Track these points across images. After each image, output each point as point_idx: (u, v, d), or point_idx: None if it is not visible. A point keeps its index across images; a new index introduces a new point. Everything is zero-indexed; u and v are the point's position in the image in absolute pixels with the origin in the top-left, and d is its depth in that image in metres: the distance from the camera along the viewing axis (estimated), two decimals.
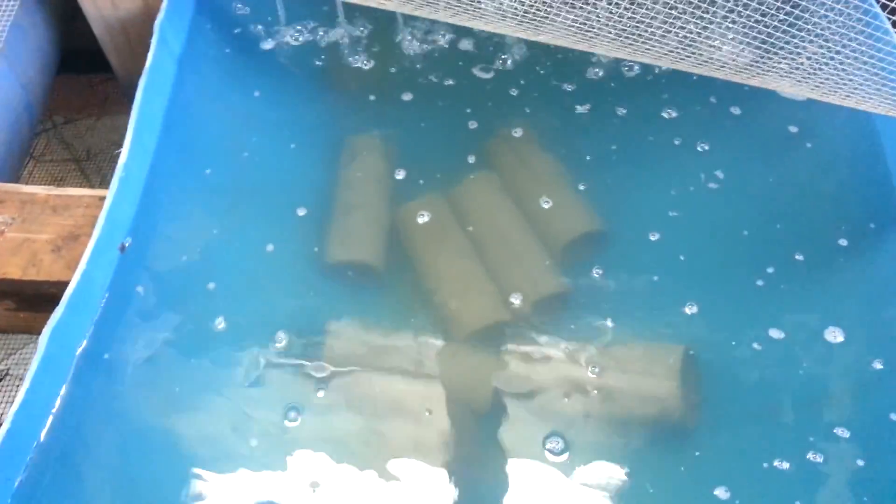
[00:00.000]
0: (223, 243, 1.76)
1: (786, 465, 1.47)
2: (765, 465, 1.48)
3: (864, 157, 1.90)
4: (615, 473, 1.48)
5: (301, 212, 1.83)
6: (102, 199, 1.61)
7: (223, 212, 1.81)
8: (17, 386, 2.18)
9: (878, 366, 1.58)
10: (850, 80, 1.51)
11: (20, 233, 1.63)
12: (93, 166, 2.70)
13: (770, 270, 1.71)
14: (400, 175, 1.89)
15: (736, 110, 2.00)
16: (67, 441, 1.43)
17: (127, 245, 1.62)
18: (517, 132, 1.96)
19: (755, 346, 1.61)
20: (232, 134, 1.94)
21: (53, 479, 1.39)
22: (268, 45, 2.12)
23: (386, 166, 1.91)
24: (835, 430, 1.51)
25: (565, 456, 1.50)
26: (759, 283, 1.70)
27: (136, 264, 1.65)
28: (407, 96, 2.04)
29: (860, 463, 1.47)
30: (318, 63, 2.10)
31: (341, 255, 1.77)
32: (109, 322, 1.55)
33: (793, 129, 1.97)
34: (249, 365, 1.59)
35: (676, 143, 1.94)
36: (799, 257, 1.73)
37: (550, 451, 1.51)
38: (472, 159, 1.92)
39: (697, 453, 1.51)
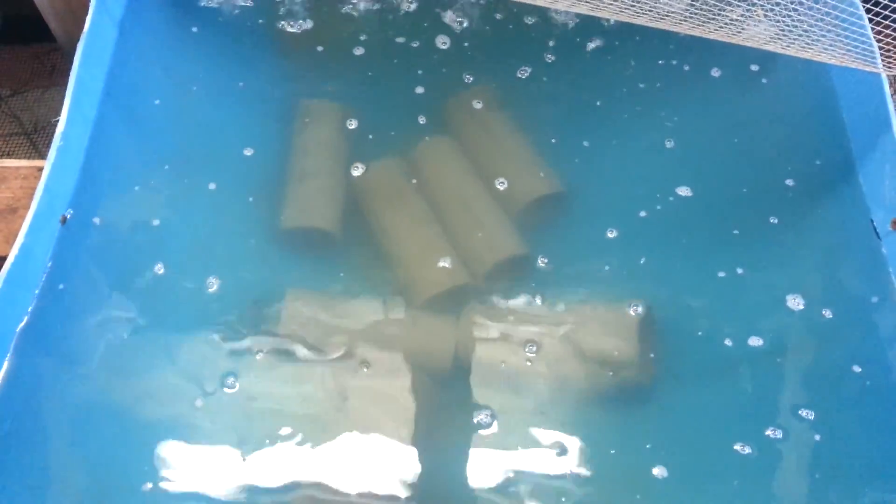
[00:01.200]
0: (172, 215, 1.71)
1: (743, 421, 1.48)
2: (722, 419, 1.48)
3: (819, 108, 1.88)
4: (574, 432, 1.47)
5: (254, 180, 1.78)
6: (41, 169, 1.55)
7: (171, 182, 1.75)
8: None
9: (827, 315, 1.59)
10: (807, 31, 1.48)
11: None
12: (42, 139, 2.61)
13: (727, 226, 1.71)
14: (355, 140, 1.84)
15: (687, 67, 1.97)
16: (11, 423, 1.39)
17: (68, 217, 1.56)
18: (475, 95, 1.91)
19: (710, 300, 1.61)
20: (177, 101, 1.87)
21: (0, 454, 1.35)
22: (214, 5, 2.04)
23: (340, 131, 1.86)
24: (789, 381, 1.52)
25: (525, 416, 1.49)
26: (718, 237, 1.69)
27: (80, 237, 1.59)
28: (359, 55, 1.98)
29: (811, 415, 1.48)
30: (267, 25, 2.03)
31: (297, 222, 1.74)
32: (52, 297, 1.50)
33: (750, 84, 1.95)
34: (205, 340, 1.56)
35: (636, 107, 1.91)
36: (755, 212, 1.72)
37: (509, 412, 1.50)
38: (428, 122, 1.87)
39: (655, 409, 1.51)
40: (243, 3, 2.06)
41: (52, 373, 1.46)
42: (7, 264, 1.41)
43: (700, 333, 1.58)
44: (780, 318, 1.59)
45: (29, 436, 1.40)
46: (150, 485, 1.38)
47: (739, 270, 1.65)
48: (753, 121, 1.89)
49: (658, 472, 1.43)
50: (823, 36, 1.48)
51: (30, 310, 1.46)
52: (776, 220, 1.72)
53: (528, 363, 1.55)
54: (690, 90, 1.93)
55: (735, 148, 1.83)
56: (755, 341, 1.56)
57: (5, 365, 1.40)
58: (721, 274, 1.65)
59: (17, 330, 1.44)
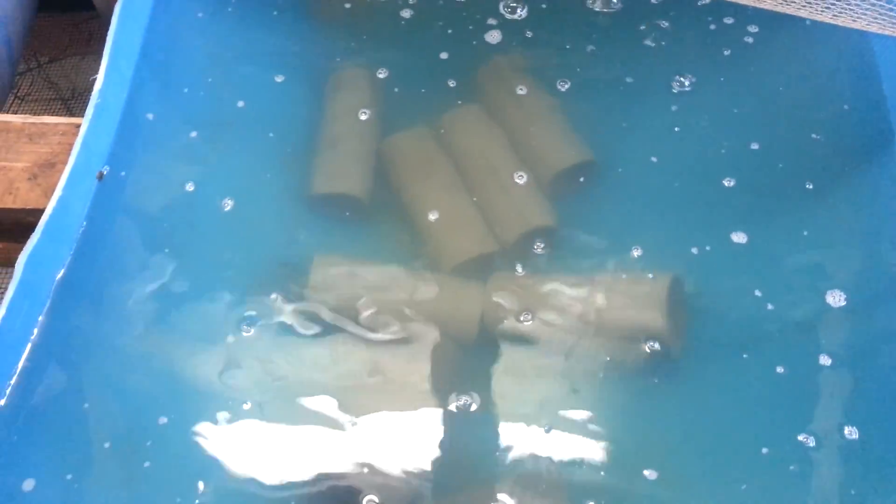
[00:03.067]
0: (205, 175, 1.73)
1: (775, 396, 1.46)
2: (753, 395, 1.47)
3: (861, 80, 1.85)
4: (602, 404, 1.47)
5: (285, 144, 1.80)
6: (79, 126, 1.58)
7: (205, 143, 1.77)
8: None
9: (866, 294, 1.56)
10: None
11: None
12: (79, 105, 2.66)
13: (766, 201, 1.69)
14: (385, 106, 1.85)
15: (725, 40, 1.94)
16: (47, 370, 1.42)
17: (105, 173, 1.59)
18: (507, 64, 1.90)
19: (744, 276, 1.59)
20: (212, 63, 1.89)
21: (32, 408, 1.38)
22: None
23: (371, 98, 1.87)
24: (820, 358, 1.49)
25: (552, 387, 1.49)
26: (755, 213, 1.67)
27: (116, 194, 1.62)
28: (395, 25, 1.98)
29: (847, 390, 1.46)
30: None
31: (326, 188, 1.75)
32: (89, 251, 1.53)
33: (789, 55, 1.92)
34: (236, 300, 1.57)
35: (671, 74, 1.89)
36: (795, 187, 1.70)
37: (536, 381, 1.50)
38: (459, 89, 1.87)
39: (685, 384, 1.50)
40: None
41: (86, 325, 1.49)
42: (45, 216, 1.45)
43: (732, 309, 1.57)
44: (818, 300, 1.57)
45: (61, 388, 1.43)
46: (171, 442, 1.40)
47: (777, 247, 1.63)
48: (789, 92, 1.86)
49: (682, 448, 1.43)
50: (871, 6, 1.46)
51: (67, 263, 1.49)
52: (814, 195, 1.69)
53: (555, 332, 1.55)
54: (729, 62, 1.91)
55: (771, 121, 1.81)
56: (789, 319, 1.54)
57: (43, 315, 1.43)
58: (757, 250, 1.62)
59: (55, 281, 1.47)
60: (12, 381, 1.36)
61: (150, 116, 1.75)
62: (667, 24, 1.97)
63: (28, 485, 1.32)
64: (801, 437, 1.41)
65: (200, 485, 1.36)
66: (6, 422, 1.35)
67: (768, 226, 1.65)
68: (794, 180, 1.71)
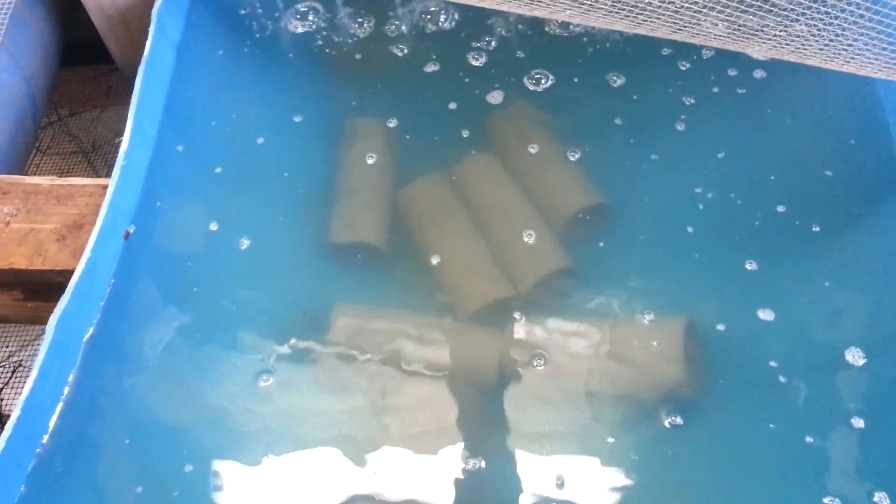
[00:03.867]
0: (227, 229, 1.77)
1: (793, 435, 1.46)
2: (771, 432, 1.47)
3: (867, 124, 1.88)
4: (621, 448, 1.48)
5: (304, 196, 1.83)
6: (105, 187, 1.62)
7: (226, 197, 1.81)
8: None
9: (886, 330, 1.57)
10: (851, 45, 1.49)
11: (25, 223, 1.64)
12: (100, 158, 2.71)
13: (777, 240, 1.70)
14: (401, 156, 1.89)
15: (733, 83, 1.98)
16: (78, 426, 1.45)
17: (131, 232, 1.63)
18: (517, 112, 1.94)
19: (759, 314, 1.60)
20: (232, 120, 1.94)
21: (65, 464, 1.41)
22: (267, 29, 2.12)
23: (387, 148, 1.91)
24: (844, 405, 1.49)
25: (571, 432, 1.51)
26: (766, 252, 1.68)
27: (141, 251, 1.66)
28: (406, 78, 2.03)
29: (863, 430, 1.46)
30: (317, 46, 2.10)
31: (345, 237, 1.77)
32: (116, 309, 1.56)
33: (798, 101, 1.95)
34: (257, 350, 1.60)
35: (680, 116, 1.92)
36: (803, 225, 1.71)
37: (554, 428, 1.51)
38: (470, 138, 1.91)
39: (702, 425, 1.50)
40: (293, 30, 2.13)
41: (114, 381, 1.53)
42: (74, 278, 1.48)
43: (748, 352, 1.57)
44: (835, 336, 1.58)
45: (91, 446, 1.46)
46: (198, 491, 1.43)
47: (788, 286, 1.64)
48: (797, 131, 1.89)
49: (702, 490, 1.44)
50: (867, 48, 1.49)
51: (95, 321, 1.53)
52: (821, 232, 1.71)
53: (572, 377, 1.56)
54: (735, 102, 1.94)
55: (780, 160, 1.83)
56: (806, 362, 1.55)
57: (73, 373, 1.46)
58: (770, 290, 1.64)
59: (84, 340, 1.50)
60: (44, 441, 1.39)
61: (172, 174, 1.79)
62: (684, 66, 2.01)
63: None
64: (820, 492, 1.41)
65: None
66: (41, 478, 1.37)
67: (782, 265, 1.67)
68: (806, 225, 1.72)
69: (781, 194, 1.77)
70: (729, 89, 1.96)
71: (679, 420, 1.50)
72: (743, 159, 1.84)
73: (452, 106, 1.96)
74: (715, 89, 1.95)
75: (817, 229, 1.71)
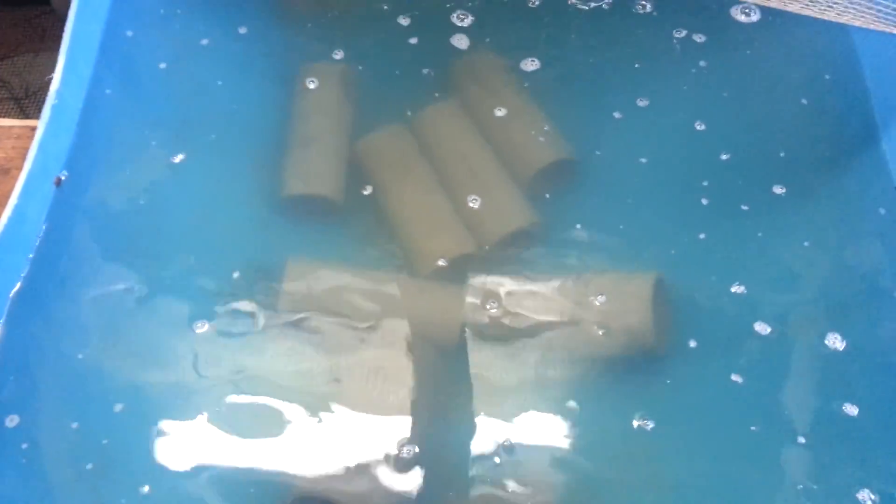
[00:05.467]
0: (170, 178, 1.66)
1: (758, 387, 1.44)
2: (738, 389, 1.44)
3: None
4: (585, 406, 1.44)
5: (255, 144, 1.73)
6: (34, 129, 1.50)
7: (169, 145, 1.69)
8: None
9: (856, 286, 1.55)
10: None
11: None
12: (32, 104, 2.55)
13: (747, 198, 1.65)
14: (360, 103, 1.80)
15: (700, 37, 1.90)
16: (5, 384, 1.35)
17: (63, 179, 1.51)
18: (483, 58, 1.85)
19: (733, 274, 1.56)
20: (176, 61, 1.81)
21: None
22: None
23: (345, 95, 1.81)
24: (803, 362, 1.48)
25: (534, 389, 1.45)
26: (742, 208, 1.64)
27: (74, 200, 1.54)
28: (363, 15, 1.92)
29: (840, 379, 1.44)
30: None
31: (299, 189, 1.69)
32: (46, 262, 1.45)
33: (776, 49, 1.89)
34: (202, 308, 1.51)
35: (653, 72, 1.84)
36: (779, 186, 1.66)
37: (518, 386, 1.46)
38: (434, 86, 1.82)
39: (668, 381, 1.46)
40: None
41: (46, 339, 1.42)
42: (0, 227, 1.37)
43: (717, 308, 1.54)
44: (811, 297, 1.56)
45: (23, 403, 1.36)
46: (142, 456, 1.35)
47: (757, 240, 1.60)
48: (773, 84, 1.84)
49: (663, 444, 1.40)
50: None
51: (23, 275, 1.41)
52: (797, 189, 1.66)
53: (537, 334, 1.51)
54: (716, 51, 1.88)
55: (755, 114, 1.78)
56: (769, 318, 1.51)
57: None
58: (741, 247, 1.60)
59: (11, 295, 1.39)
60: None
61: (110, 117, 1.67)
62: (656, 13, 1.93)
63: None
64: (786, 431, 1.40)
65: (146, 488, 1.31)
66: None
67: (753, 223, 1.62)
68: (784, 179, 1.68)
69: (759, 150, 1.72)
70: (712, 37, 1.89)
71: (645, 380, 1.47)
72: (720, 111, 1.78)
73: (416, 50, 1.85)
74: (697, 37, 1.88)
75: (793, 187, 1.67)
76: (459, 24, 1.88)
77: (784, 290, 1.57)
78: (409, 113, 1.79)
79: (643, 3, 1.93)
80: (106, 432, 1.35)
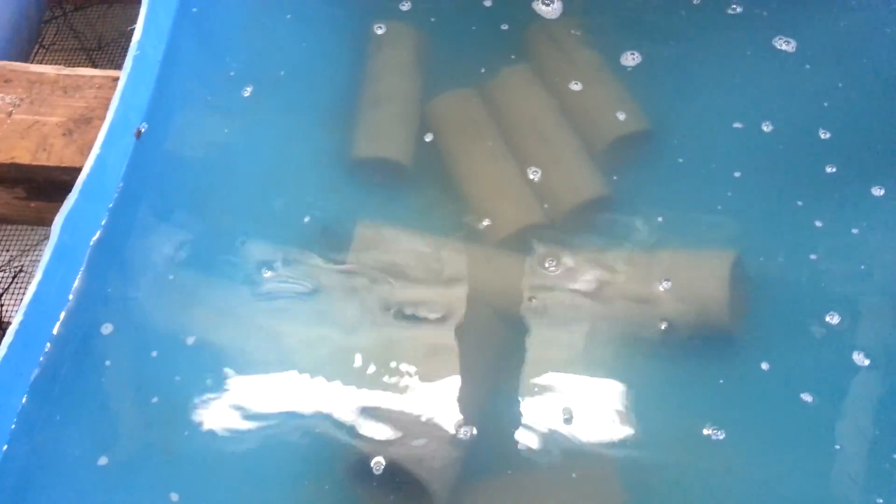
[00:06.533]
0: (243, 135, 1.66)
1: (832, 382, 1.39)
2: (810, 378, 1.39)
3: None
4: (652, 382, 1.41)
5: (328, 104, 1.73)
6: (115, 80, 1.51)
7: (243, 102, 1.69)
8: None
9: None
10: None
11: (29, 115, 1.52)
12: (104, 56, 2.58)
13: (833, 176, 1.59)
14: (432, 64, 1.77)
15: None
16: (83, 334, 1.36)
17: (143, 131, 1.52)
18: (560, 23, 1.81)
19: (812, 257, 1.51)
20: (253, 19, 1.81)
21: (70, 372, 1.33)
22: None
23: (416, 56, 1.79)
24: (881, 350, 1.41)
25: (602, 363, 1.43)
26: (832, 191, 1.58)
27: (153, 152, 1.55)
28: None
29: None
30: None
31: (368, 151, 1.67)
32: (125, 212, 1.46)
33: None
34: (271, 265, 1.51)
35: (742, 35, 1.78)
36: (865, 165, 1.60)
37: (583, 359, 1.44)
38: (509, 50, 1.78)
39: (740, 364, 1.42)
40: None
41: (121, 287, 1.44)
42: (82, 176, 1.38)
43: (799, 295, 1.49)
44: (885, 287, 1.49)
45: (97, 354, 1.38)
46: (205, 403, 1.36)
47: (854, 231, 1.54)
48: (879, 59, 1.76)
49: (729, 430, 1.35)
50: None
51: (103, 224, 1.43)
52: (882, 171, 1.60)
53: (606, 309, 1.48)
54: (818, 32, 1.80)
55: (858, 92, 1.71)
56: (850, 305, 1.46)
57: (78, 278, 1.37)
58: (829, 231, 1.54)
59: (91, 244, 1.41)
60: (48, 349, 1.31)
61: (187, 71, 1.67)
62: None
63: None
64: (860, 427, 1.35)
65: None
66: (43, 392, 1.29)
67: (843, 207, 1.56)
68: (878, 170, 1.61)
69: (853, 130, 1.65)
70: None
71: (715, 362, 1.43)
72: (809, 87, 1.71)
73: (492, 14, 1.82)
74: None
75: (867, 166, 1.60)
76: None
77: (867, 280, 1.50)
78: (482, 72, 1.76)
79: None
80: (174, 385, 1.38)
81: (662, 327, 1.45)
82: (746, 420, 1.37)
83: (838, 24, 1.82)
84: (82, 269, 1.38)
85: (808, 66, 1.75)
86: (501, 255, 1.56)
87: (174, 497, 1.27)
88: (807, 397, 1.37)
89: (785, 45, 1.76)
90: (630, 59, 1.76)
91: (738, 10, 1.83)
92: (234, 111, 1.68)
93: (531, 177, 1.63)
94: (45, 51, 2.55)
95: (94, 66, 2.60)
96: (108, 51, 2.59)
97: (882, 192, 1.57)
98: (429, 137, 1.69)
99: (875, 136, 1.66)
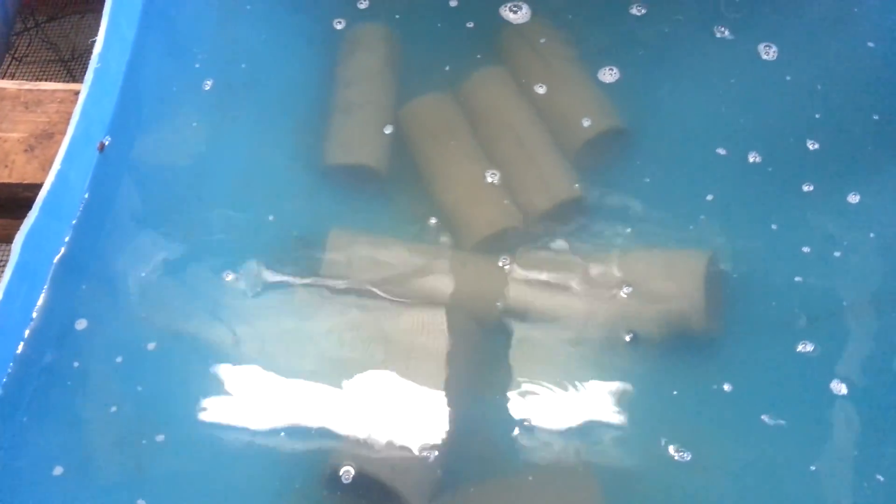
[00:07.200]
0: (212, 144, 1.64)
1: (812, 376, 1.38)
2: (790, 373, 1.39)
3: None
4: (631, 385, 1.40)
5: (299, 110, 1.71)
6: (77, 94, 1.48)
7: (212, 110, 1.67)
8: None
9: None
10: None
11: None
12: (80, 66, 2.56)
13: (811, 177, 1.58)
14: (404, 68, 1.75)
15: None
16: (47, 354, 1.35)
17: (106, 144, 1.49)
18: (533, 26, 1.79)
19: (785, 252, 1.50)
20: (219, 26, 1.78)
21: (35, 392, 1.32)
22: None
23: (388, 60, 1.76)
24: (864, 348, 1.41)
25: (578, 369, 1.41)
26: (802, 188, 1.56)
27: (118, 165, 1.53)
28: None
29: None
30: None
31: (341, 158, 1.65)
32: (89, 227, 1.44)
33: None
34: (244, 275, 1.50)
35: (717, 42, 1.76)
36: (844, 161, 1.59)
37: (561, 363, 1.43)
38: (481, 53, 1.76)
39: (719, 363, 1.42)
40: None
41: (88, 305, 1.41)
42: (43, 192, 1.36)
43: (771, 289, 1.48)
44: (866, 283, 1.48)
45: (67, 368, 1.36)
46: (185, 417, 1.36)
47: (828, 229, 1.53)
48: (844, 60, 1.74)
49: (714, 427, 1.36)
50: None
51: (67, 240, 1.41)
52: (863, 173, 1.59)
53: (582, 312, 1.46)
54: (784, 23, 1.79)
55: (824, 88, 1.69)
56: (828, 302, 1.46)
57: (42, 297, 1.35)
58: (801, 229, 1.53)
59: (55, 261, 1.39)
60: (10, 370, 1.29)
61: (153, 81, 1.65)
62: None
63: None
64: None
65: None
66: (7, 409, 1.28)
67: (820, 206, 1.55)
68: (851, 159, 1.60)
69: (818, 128, 1.63)
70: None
71: (695, 361, 1.42)
72: (783, 83, 1.70)
73: (463, 17, 1.80)
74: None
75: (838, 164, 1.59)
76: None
77: (844, 273, 1.49)
78: (451, 73, 1.74)
79: None
80: (147, 396, 1.36)
81: (639, 328, 1.44)
82: (712, 438, 1.36)
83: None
84: (46, 287, 1.36)
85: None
86: (476, 259, 1.54)
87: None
88: (768, 419, 1.36)
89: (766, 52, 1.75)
90: (607, 73, 1.74)
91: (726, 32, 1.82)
92: (202, 120, 1.66)
93: (505, 180, 1.61)
94: (17, 63, 2.53)
95: (72, 76, 2.58)
96: (82, 61, 2.56)
97: (857, 198, 1.57)
98: (401, 142, 1.67)
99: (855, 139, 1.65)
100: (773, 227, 1.53)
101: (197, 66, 1.72)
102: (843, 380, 1.37)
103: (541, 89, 1.71)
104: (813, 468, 1.31)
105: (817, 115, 1.65)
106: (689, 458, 1.31)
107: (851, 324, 1.44)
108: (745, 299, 1.47)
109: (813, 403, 1.37)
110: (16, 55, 2.55)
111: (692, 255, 1.49)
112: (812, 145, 1.61)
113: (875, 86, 1.70)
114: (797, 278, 1.48)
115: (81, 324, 1.39)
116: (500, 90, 1.73)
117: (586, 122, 1.64)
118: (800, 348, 1.41)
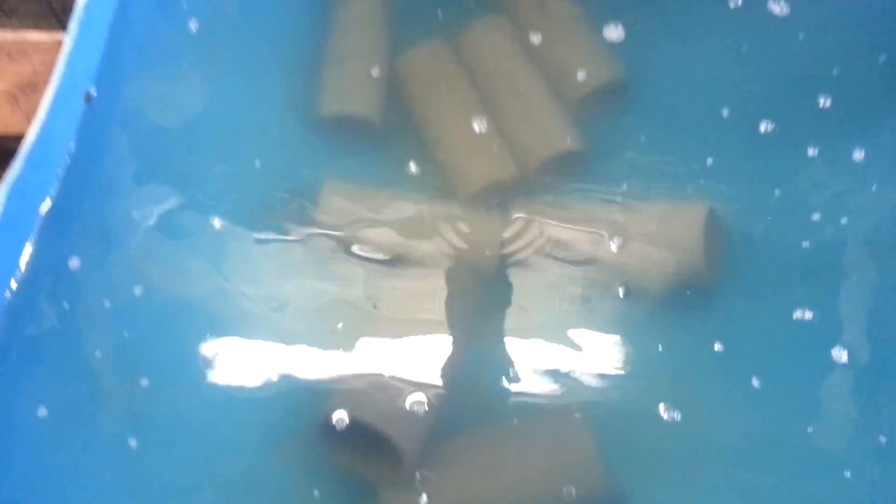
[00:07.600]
0: (203, 95, 1.61)
1: (809, 327, 1.38)
2: (787, 327, 1.38)
3: None
4: (628, 334, 1.40)
5: (292, 61, 1.68)
6: (63, 43, 1.45)
7: (201, 60, 1.64)
8: None
9: None
10: None
11: None
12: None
13: (810, 130, 1.55)
14: (400, 17, 1.72)
15: None
16: (33, 305, 1.33)
17: (93, 95, 1.46)
18: None
19: (784, 206, 1.49)
20: None
21: (21, 345, 1.31)
22: None
23: (384, 8, 1.73)
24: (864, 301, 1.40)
25: (576, 319, 1.41)
26: (807, 151, 1.53)
27: (105, 116, 1.49)
28: None
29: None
30: None
31: (335, 109, 1.62)
32: (77, 179, 1.41)
33: None
34: (237, 230, 1.49)
35: None
36: (842, 119, 1.55)
37: (561, 314, 1.43)
38: (478, 2, 1.73)
39: (719, 316, 1.42)
40: None
41: (76, 257, 1.40)
42: (26, 144, 1.33)
43: (770, 243, 1.47)
44: (861, 230, 1.47)
45: (51, 319, 1.35)
46: (180, 368, 1.36)
47: (831, 184, 1.51)
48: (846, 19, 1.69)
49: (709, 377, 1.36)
50: None
51: (53, 192, 1.39)
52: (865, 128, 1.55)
53: (579, 264, 1.46)
54: None
55: (838, 43, 1.65)
56: (830, 253, 1.45)
57: (28, 248, 1.33)
58: (801, 180, 1.51)
59: (41, 213, 1.37)
60: None
61: (140, 31, 1.61)
62: None
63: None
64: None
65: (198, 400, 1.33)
66: None
67: (824, 162, 1.52)
68: (847, 119, 1.56)
69: (820, 86, 1.59)
70: None
71: (692, 314, 1.42)
72: (795, 41, 1.65)
73: None
74: None
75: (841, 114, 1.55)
76: None
77: (844, 225, 1.48)
78: (450, 23, 1.70)
79: None
80: (138, 348, 1.36)
81: (635, 280, 1.43)
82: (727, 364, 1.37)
83: None
84: (33, 237, 1.34)
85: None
86: (473, 210, 1.52)
87: (132, 443, 1.27)
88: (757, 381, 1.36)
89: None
90: (612, 30, 1.70)
91: None
92: (191, 70, 1.63)
93: (502, 131, 1.59)
94: (6, 16, 2.48)
95: (62, 25, 2.53)
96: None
97: (862, 154, 1.53)
98: (396, 93, 1.65)
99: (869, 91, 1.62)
100: (777, 191, 1.51)
101: (186, 15, 1.68)
102: (843, 345, 1.36)
103: (540, 40, 1.67)
104: (810, 430, 1.31)
105: (834, 71, 1.61)
106: (679, 418, 1.31)
107: (853, 279, 1.43)
108: (745, 258, 1.47)
109: (811, 366, 1.36)
110: (4, 7, 2.50)
111: (692, 207, 1.47)
112: (825, 101, 1.57)
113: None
114: (803, 243, 1.46)
115: (70, 270, 1.37)
116: (499, 41, 1.69)
117: (586, 75, 1.61)
118: (797, 315, 1.39)
